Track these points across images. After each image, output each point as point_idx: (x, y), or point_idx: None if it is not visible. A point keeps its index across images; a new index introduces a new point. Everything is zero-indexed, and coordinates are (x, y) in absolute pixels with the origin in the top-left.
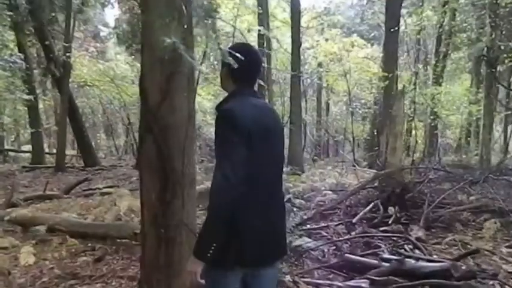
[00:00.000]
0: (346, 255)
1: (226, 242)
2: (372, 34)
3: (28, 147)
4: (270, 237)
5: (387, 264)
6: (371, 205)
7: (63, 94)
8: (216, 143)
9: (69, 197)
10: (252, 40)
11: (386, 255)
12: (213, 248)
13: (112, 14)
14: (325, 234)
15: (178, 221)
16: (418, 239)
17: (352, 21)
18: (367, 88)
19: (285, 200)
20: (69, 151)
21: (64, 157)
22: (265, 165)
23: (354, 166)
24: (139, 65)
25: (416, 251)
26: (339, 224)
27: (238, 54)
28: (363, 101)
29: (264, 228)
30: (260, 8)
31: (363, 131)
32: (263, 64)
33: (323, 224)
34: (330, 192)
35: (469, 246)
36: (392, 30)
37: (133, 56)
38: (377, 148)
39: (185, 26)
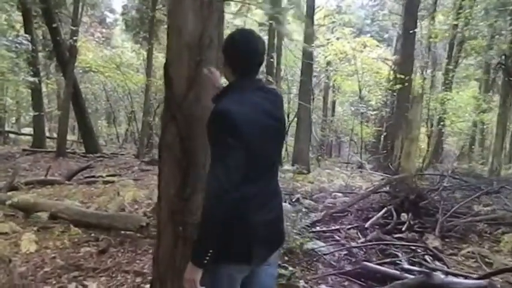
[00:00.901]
0: (364, 263)
1: (231, 242)
2: (384, 35)
3: (29, 130)
4: (272, 234)
5: (411, 276)
6: (384, 210)
7: (67, 78)
8: (210, 143)
9: (71, 184)
10: (263, 35)
11: (406, 265)
12: (209, 253)
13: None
14: (337, 238)
15: (197, 219)
16: (435, 249)
17: (362, 22)
18: (376, 90)
19: (282, 198)
20: (70, 136)
21: (65, 142)
22: (264, 163)
23: (361, 168)
24: (145, 53)
25: (437, 263)
26: (350, 228)
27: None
28: (369, 103)
29: (267, 226)
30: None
31: (368, 133)
32: (265, 53)
33: (334, 227)
34: (339, 194)
35: (487, 259)
36: (411, 31)
37: (139, 44)
38: (385, 151)
39: (214, 11)
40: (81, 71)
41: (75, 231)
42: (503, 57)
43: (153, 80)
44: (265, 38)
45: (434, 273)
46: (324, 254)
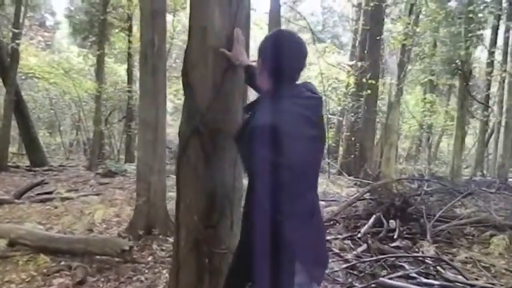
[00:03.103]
0: (382, 279)
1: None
2: (335, 41)
3: None
4: (320, 252)
5: None
6: (373, 218)
7: (9, 85)
8: (251, 161)
9: (23, 203)
10: None
11: (423, 279)
12: None
13: (59, 2)
14: (334, 250)
15: (226, 248)
16: (438, 258)
17: (314, 28)
18: (333, 95)
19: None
20: (10, 148)
21: (7, 155)
22: (308, 178)
23: (340, 175)
24: (94, 57)
25: (448, 273)
26: (344, 239)
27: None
28: (327, 108)
29: (314, 245)
30: None
31: (328, 137)
32: (307, 56)
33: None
34: (321, 202)
35: (482, 264)
36: (377, 38)
37: (88, 49)
38: (351, 156)
39: (243, 8)
40: (23, 77)
41: (43, 260)
42: (459, 62)
43: (104, 87)
44: None
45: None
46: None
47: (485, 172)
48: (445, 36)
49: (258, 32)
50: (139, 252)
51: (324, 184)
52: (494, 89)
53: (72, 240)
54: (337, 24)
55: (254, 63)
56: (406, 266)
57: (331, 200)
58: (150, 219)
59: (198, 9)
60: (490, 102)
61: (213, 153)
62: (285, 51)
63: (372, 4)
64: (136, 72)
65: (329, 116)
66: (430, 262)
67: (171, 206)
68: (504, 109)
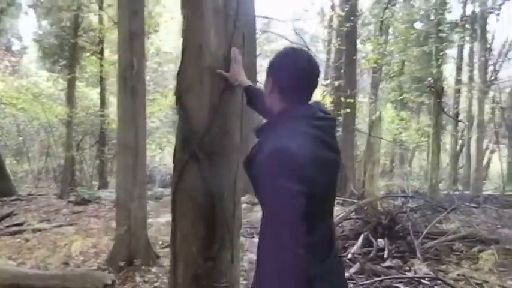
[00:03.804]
0: None
1: None
2: None
3: None
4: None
5: None
6: (361, 238)
7: None
8: (264, 191)
9: None
10: None
11: None
12: None
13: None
14: None
15: (227, 281)
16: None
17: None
18: None
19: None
20: None
21: None
22: (325, 204)
23: None
24: (64, 82)
25: None
26: None
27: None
28: None
29: (332, 278)
30: None
31: None
32: (320, 75)
33: None
34: None
35: (475, 280)
36: (353, 57)
37: (58, 73)
38: None
39: (239, 28)
40: None
41: None
42: (431, 80)
43: (75, 111)
44: None
45: None
46: None
47: (459, 186)
48: (415, 55)
49: None
50: (121, 285)
51: None
52: (463, 105)
53: (47, 276)
54: (309, 46)
55: (253, 84)
56: (402, 287)
57: None
58: (132, 249)
59: (192, 27)
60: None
61: (211, 179)
62: (297, 70)
63: (347, 25)
64: (109, 96)
65: None
66: (427, 282)
67: (151, 233)
68: (475, 124)
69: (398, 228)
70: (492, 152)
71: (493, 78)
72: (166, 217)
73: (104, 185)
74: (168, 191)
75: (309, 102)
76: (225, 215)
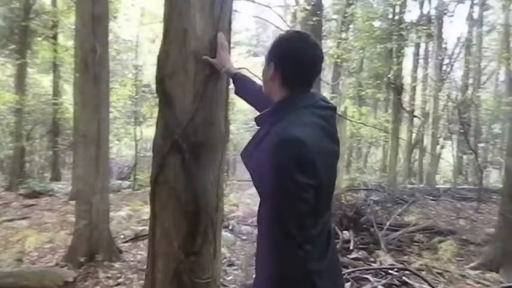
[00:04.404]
0: None
1: None
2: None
3: None
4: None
5: None
6: None
7: None
8: (274, 183)
9: None
10: (157, 52)
11: None
12: None
13: None
14: None
15: (210, 277)
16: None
17: (249, 42)
18: None
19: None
20: None
21: None
22: (327, 197)
23: None
24: (14, 67)
25: (413, 282)
26: None
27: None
28: None
29: (330, 277)
30: None
31: None
32: (324, 61)
33: None
34: None
35: (435, 270)
36: None
37: (5, 58)
38: None
39: (227, 12)
40: None
41: None
42: (392, 77)
43: (26, 99)
44: None
45: None
46: None
47: (413, 180)
48: (378, 52)
49: None
50: (82, 282)
51: None
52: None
53: (2, 275)
54: (272, 39)
55: (242, 70)
56: (371, 278)
57: None
58: (93, 244)
59: (176, 11)
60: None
61: (195, 170)
62: (301, 55)
63: (314, 19)
64: (63, 84)
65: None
66: (395, 273)
67: (112, 227)
68: (430, 120)
69: (362, 221)
70: (442, 147)
71: (445, 77)
72: (126, 210)
73: (56, 177)
74: (126, 183)
75: (312, 91)
76: (208, 208)
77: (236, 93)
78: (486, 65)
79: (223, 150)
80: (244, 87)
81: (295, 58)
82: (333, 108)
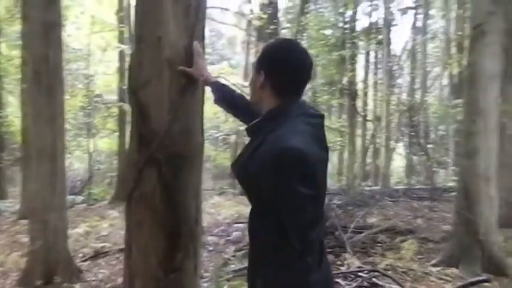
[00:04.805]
0: None
1: None
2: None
3: None
4: None
5: None
6: None
7: None
8: (273, 195)
9: None
10: (108, 61)
11: None
12: None
13: None
14: None
15: None
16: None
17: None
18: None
19: None
20: None
21: None
22: (321, 209)
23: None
24: None
25: (383, 283)
26: None
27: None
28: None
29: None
30: (123, 25)
31: (226, 158)
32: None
33: None
34: (240, 225)
35: (399, 269)
36: None
37: None
38: None
39: (201, 19)
40: None
41: None
42: (346, 83)
43: None
44: None
45: None
46: None
47: (369, 183)
48: (333, 59)
49: None
50: None
51: (232, 206)
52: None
53: None
54: (226, 47)
55: (219, 78)
56: (341, 282)
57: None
58: (50, 265)
59: (149, 17)
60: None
61: (173, 183)
62: (292, 63)
63: (271, 27)
64: (7, 96)
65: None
66: (365, 275)
67: (71, 245)
68: (383, 124)
69: (327, 225)
70: (392, 149)
71: (394, 82)
72: (84, 227)
73: (1, 195)
74: (80, 198)
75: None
76: (188, 221)
77: (216, 102)
78: (430, 70)
79: (200, 160)
80: (224, 96)
81: (286, 66)
82: (322, 116)
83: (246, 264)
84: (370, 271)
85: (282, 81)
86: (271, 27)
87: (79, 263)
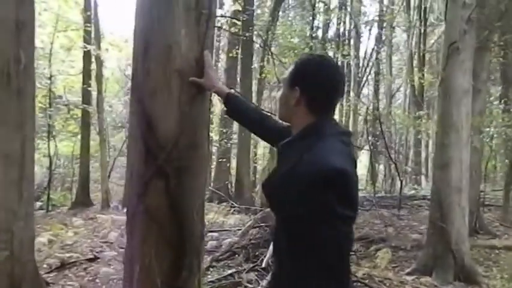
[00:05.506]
0: None
1: None
2: None
3: None
4: None
5: None
6: (272, 245)
7: None
8: (312, 215)
9: None
10: (73, 59)
11: None
12: None
13: None
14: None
15: None
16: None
17: None
18: None
19: None
20: None
21: None
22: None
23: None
24: None
25: None
26: (248, 271)
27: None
28: None
29: None
30: (89, 25)
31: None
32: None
33: (229, 272)
34: (214, 234)
35: (376, 277)
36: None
37: None
38: (226, 182)
39: (211, 28)
40: None
41: None
42: None
43: None
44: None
45: None
46: None
47: None
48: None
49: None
50: None
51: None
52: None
53: None
54: None
55: (231, 90)
56: None
57: (223, 230)
58: (15, 279)
59: (158, 24)
60: None
61: (180, 197)
62: (328, 80)
63: (247, 34)
64: None
65: None
66: None
67: (36, 256)
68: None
69: None
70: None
71: (361, 92)
72: (47, 235)
73: None
74: (37, 204)
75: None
76: (193, 237)
77: (229, 114)
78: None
79: (205, 173)
80: (238, 108)
81: (324, 83)
82: (351, 134)
83: (224, 273)
84: (353, 281)
85: (319, 98)
86: (247, 34)
87: (45, 275)
